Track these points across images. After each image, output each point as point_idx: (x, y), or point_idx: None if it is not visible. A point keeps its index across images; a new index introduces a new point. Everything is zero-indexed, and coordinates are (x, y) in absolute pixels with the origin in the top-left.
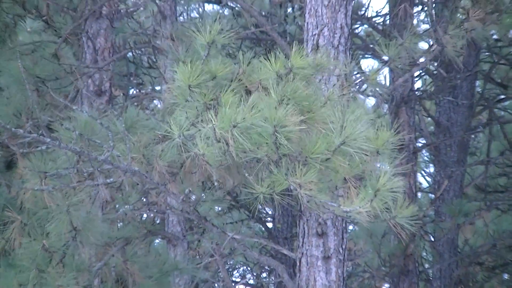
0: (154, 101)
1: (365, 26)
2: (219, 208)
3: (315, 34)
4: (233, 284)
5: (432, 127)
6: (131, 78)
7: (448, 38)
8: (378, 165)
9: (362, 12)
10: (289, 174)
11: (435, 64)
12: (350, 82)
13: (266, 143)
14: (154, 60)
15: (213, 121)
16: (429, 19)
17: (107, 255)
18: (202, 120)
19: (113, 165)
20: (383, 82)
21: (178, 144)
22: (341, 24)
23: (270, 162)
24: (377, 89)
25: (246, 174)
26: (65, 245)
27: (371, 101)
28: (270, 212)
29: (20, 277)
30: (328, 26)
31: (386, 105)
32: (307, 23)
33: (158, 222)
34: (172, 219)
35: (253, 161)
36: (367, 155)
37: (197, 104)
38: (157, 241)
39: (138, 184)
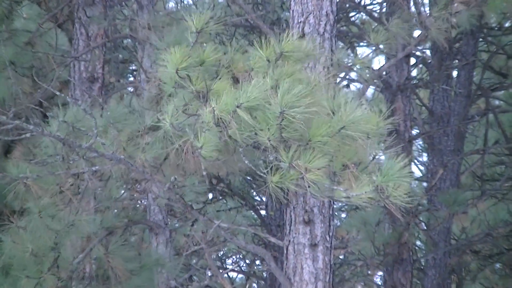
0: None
1: (362, 14)
2: (213, 196)
3: (300, 22)
4: (222, 271)
5: (423, 116)
6: (125, 65)
7: (432, 20)
8: (379, 152)
9: (358, 0)
10: (294, 158)
11: (428, 52)
12: (336, 69)
13: (268, 126)
14: (134, 49)
15: (212, 104)
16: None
17: (87, 247)
18: (189, 109)
19: (97, 152)
20: (371, 69)
21: (168, 133)
22: (326, 12)
23: (277, 146)
24: (364, 74)
25: (247, 162)
26: (52, 248)
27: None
28: (263, 200)
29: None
30: (313, 14)
31: (378, 93)
32: (293, 10)
33: (142, 209)
34: (153, 208)
35: (250, 147)
36: (363, 139)
37: (185, 92)
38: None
39: (127, 173)
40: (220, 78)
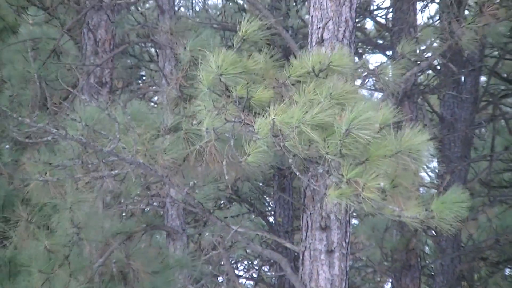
0: (159, 95)
1: (368, 20)
2: (222, 202)
3: (319, 28)
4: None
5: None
6: (133, 71)
7: (463, 31)
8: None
9: (365, 6)
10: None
11: (442, 58)
12: (356, 76)
13: (328, 143)
14: (154, 54)
15: (271, 115)
16: (442, 12)
17: (107, 251)
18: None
19: (118, 157)
20: (390, 76)
21: (208, 138)
22: (345, 18)
23: (333, 161)
24: (387, 83)
25: (298, 173)
26: (69, 244)
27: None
28: (271, 206)
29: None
30: (332, 20)
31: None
32: (312, 16)
33: (160, 214)
34: (171, 213)
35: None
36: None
37: (216, 96)
38: (158, 236)
39: (144, 176)
40: (262, 87)
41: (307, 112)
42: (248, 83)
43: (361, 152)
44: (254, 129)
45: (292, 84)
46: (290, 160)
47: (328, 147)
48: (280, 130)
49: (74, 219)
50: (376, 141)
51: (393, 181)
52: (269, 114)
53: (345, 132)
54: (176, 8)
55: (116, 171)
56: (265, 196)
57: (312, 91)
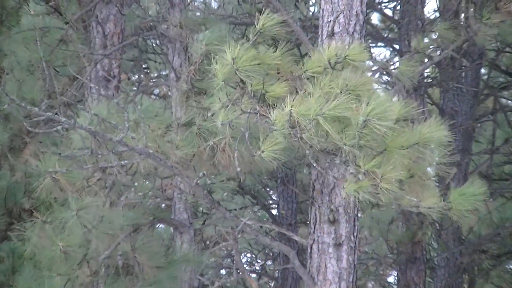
0: (165, 88)
1: (374, 13)
2: (225, 194)
3: (330, 21)
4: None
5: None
6: (137, 63)
7: (480, 26)
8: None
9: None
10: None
11: (456, 53)
12: (364, 69)
13: (345, 133)
14: (161, 47)
15: (288, 106)
16: (464, 7)
17: (113, 243)
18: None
19: (128, 146)
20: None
21: (223, 132)
22: (356, 11)
23: (351, 151)
24: (399, 78)
25: (315, 164)
26: (84, 243)
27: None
28: (274, 199)
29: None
30: (343, 13)
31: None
32: (323, 9)
33: (162, 208)
34: (178, 206)
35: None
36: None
37: (231, 89)
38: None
39: (153, 167)
40: (277, 83)
41: (324, 104)
42: (264, 77)
43: (378, 143)
44: (270, 120)
45: (307, 78)
46: (307, 152)
47: (345, 138)
48: (297, 122)
49: (85, 224)
50: (393, 133)
51: (410, 171)
52: (286, 106)
53: (363, 123)
54: (188, 2)
55: (126, 161)
56: (268, 189)
57: (328, 83)
